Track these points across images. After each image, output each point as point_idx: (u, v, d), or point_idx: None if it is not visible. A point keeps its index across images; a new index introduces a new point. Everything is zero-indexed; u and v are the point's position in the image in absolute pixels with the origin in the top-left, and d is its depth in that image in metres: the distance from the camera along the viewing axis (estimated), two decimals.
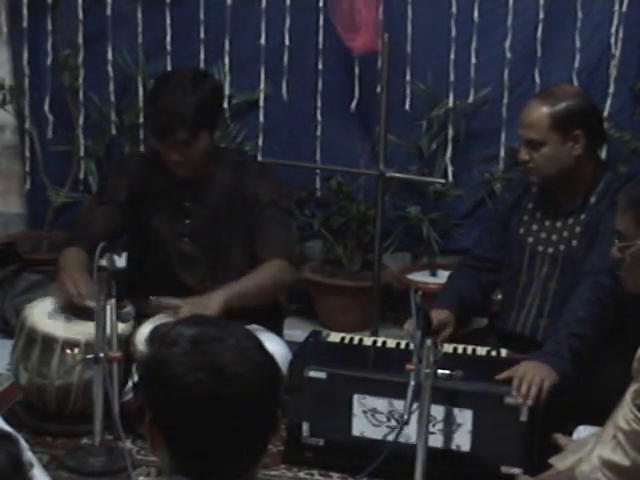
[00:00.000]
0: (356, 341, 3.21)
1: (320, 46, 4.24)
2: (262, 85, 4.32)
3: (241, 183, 3.34)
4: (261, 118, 4.35)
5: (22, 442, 1.60)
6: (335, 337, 3.22)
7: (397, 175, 3.78)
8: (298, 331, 3.78)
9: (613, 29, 4.05)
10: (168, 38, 4.31)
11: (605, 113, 3.99)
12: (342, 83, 4.28)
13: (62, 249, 3.36)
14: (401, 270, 4.41)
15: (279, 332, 3.41)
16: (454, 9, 4.12)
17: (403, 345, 3.14)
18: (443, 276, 3.98)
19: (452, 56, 4.15)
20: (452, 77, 4.16)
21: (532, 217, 3.28)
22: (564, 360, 2.90)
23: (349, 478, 2.95)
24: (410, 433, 2.78)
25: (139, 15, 4.29)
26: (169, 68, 4.28)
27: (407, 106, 4.22)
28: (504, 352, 3.11)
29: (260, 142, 4.36)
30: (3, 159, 4.61)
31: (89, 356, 2.89)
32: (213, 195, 3.34)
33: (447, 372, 2.69)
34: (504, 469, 2.85)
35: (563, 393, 2.87)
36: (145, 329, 3.08)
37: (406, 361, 2.69)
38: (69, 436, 3.12)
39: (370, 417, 2.92)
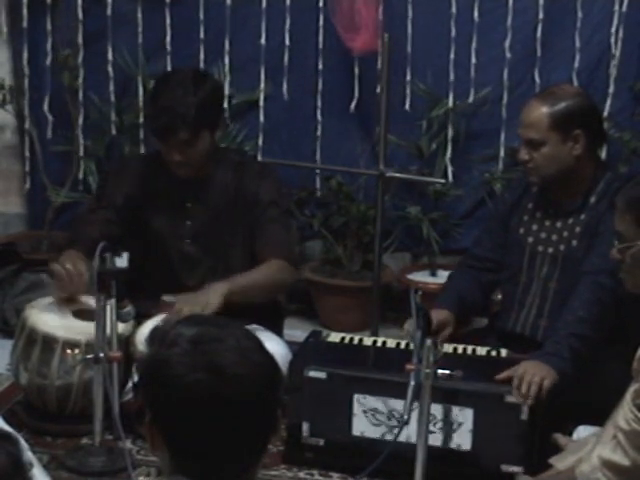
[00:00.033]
0: (356, 341, 3.21)
1: (320, 46, 4.24)
2: (262, 85, 4.32)
3: (241, 183, 3.34)
4: (261, 118, 4.36)
5: (22, 442, 1.60)
6: (335, 337, 3.22)
7: (397, 175, 3.78)
8: (298, 331, 3.78)
9: (613, 29, 4.05)
10: (168, 38, 4.31)
11: (605, 113, 3.99)
12: (342, 83, 4.28)
13: (61, 252, 3.36)
14: (401, 270, 4.41)
15: (279, 332, 3.41)
16: (454, 9, 4.12)
17: (403, 345, 3.14)
18: (443, 276, 3.98)
19: (452, 56, 4.15)
20: (452, 77, 4.17)
21: (532, 217, 3.28)
22: (564, 360, 2.90)
23: (349, 478, 2.95)
24: (410, 433, 2.78)
25: (139, 15, 4.29)
26: (169, 68, 4.28)
27: (407, 106, 4.22)
28: (504, 352, 3.11)
29: (260, 142, 4.36)
30: (3, 159, 4.62)
31: (89, 356, 2.89)
32: (214, 195, 3.34)
33: (447, 372, 2.69)
34: (504, 468, 2.85)
35: (563, 393, 2.87)
36: (145, 329, 3.08)
37: (406, 361, 2.68)
38: (69, 436, 3.12)
39: (370, 417, 2.92)
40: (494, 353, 3.11)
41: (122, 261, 2.88)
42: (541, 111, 3.09)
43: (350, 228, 4.33)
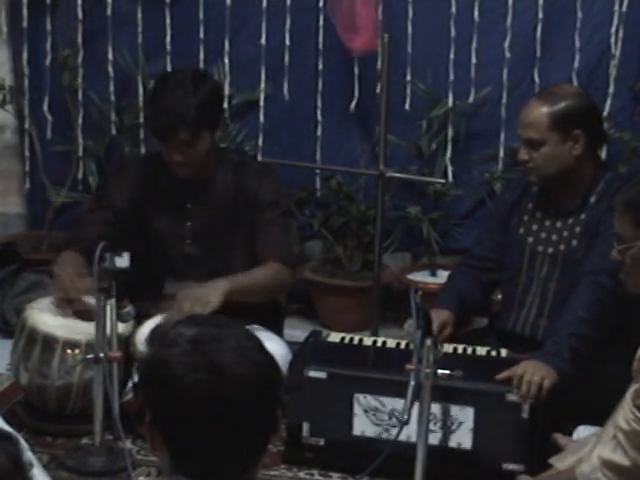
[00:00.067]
0: (356, 341, 3.21)
1: (320, 46, 4.24)
2: (262, 85, 4.32)
3: (242, 183, 3.34)
4: (261, 118, 4.35)
5: (22, 442, 1.60)
6: (335, 337, 3.22)
7: (397, 175, 3.78)
8: (298, 331, 3.78)
9: (613, 29, 4.05)
10: (168, 38, 4.31)
11: (605, 113, 3.98)
12: (342, 83, 4.28)
13: (60, 251, 3.37)
14: (401, 270, 4.41)
15: (279, 332, 3.41)
16: (454, 9, 4.12)
17: (403, 345, 3.15)
18: (443, 276, 3.98)
19: (452, 56, 4.15)
20: (452, 77, 4.16)
21: (532, 217, 3.28)
22: (564, 360, 2.90)
23: (349, 478, 2.95)
24: (411, 432, 2.78)
25: (139, 15, 4.29)
26: (169, 68, 4.28)
27: (407, 106, 4.22)
28: (504, 352, 3.11)
29: (260, 142, 4.36)
30: (3, 159, 4.61)
31: (89, 356, 2.90)
32: (214, 196, 3.34)
33: (447, 372, 2.70)
34: (506, 466, 2.85)
35: (563, 393, 2.88)
36: (145, 329, 3.08)
37: (406, 361, 2.69)
38: (69, 436, 3.12)
39: (371, 416, 2.92)
40: (494, 353, 3.11)
41: (122, 261, 2.88)
42: (541, 111, 3.09)
43: (350, 228, 4.33)
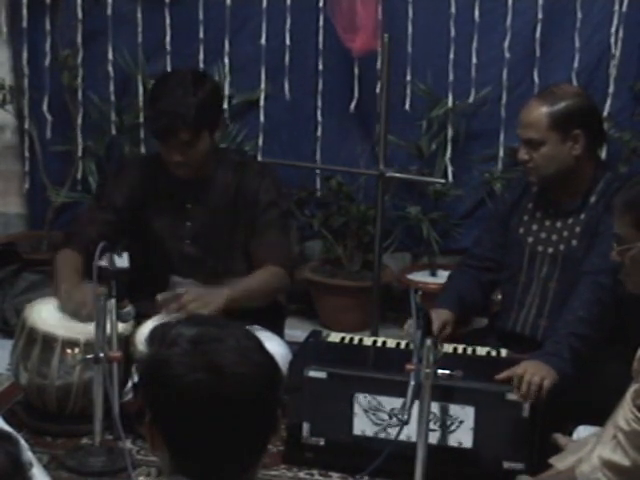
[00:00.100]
0: (356, 341, 3.21)
1: (320, 46, 4.24)
2: (262, 85, 4.32)
3: (241, 183, 3.34)
4: (261, 118, 4.35)
5: (22, 442, 1.60)
6: (335, 337, 3.22)
7: (397, 175, 3.78)
8: (298, 331, 3.78)
9: (613, 29, 4.05)
10: (168, 38, 4.31)
11: (605, 113, 3.98)
12: (342, 83, 4.28)
13: (58, 250, 3.37)
14: (401, 270, 4.41)
15: (279, 332, 3.41)
16: (454, 9, 4.12)
17: (403, 345, 3.15)
18: (443, 276, 3.98)
19: (452, 56, 4.15)
20: (452, 77, 4.16)
21: (532, 217, 3.28)
22: (564, 360, 2.90)
23: (349, 478, 2.95)
24: (411, 432, 2.78)
25: (139, 15, 4.29)
26: (169, 68, 4.28)
27: (407, 106, 4.22)
28: (504, 352, 3.11)
29: (260, 142, 4.36)
30: (3, 159, 4.61)
31: (89, 356, 2.90)
32: (214, 196, 3.34)
33: (447, 372, 2.70)
34: (506, 465, 2.86)
35: (563, 393, 2.88)
36: (145, 329, 3.08)
37: (406, 361, 2.69)
38: (69, 436, 3.12)
39: (372, 416, 2.92)
40: (494, 353, 3.11)
41: (122, 261, 2.88)
42: (541, 111, 3.09)
43: (350, 228, 4.33)
